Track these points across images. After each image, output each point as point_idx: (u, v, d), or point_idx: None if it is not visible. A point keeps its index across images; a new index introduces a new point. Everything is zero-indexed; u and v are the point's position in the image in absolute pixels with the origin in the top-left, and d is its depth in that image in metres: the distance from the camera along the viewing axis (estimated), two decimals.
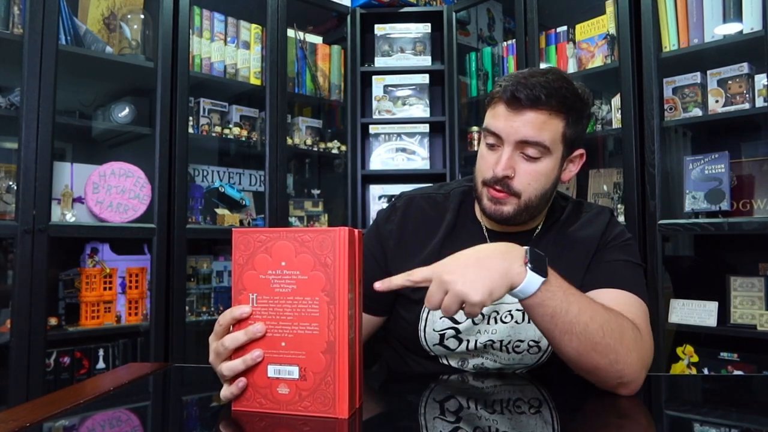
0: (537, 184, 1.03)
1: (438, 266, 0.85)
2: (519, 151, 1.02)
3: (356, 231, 0.81)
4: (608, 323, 0.87)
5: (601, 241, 1.09)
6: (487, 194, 1.06)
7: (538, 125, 0.99)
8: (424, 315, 1.10)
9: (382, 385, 1.09)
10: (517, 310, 1.07)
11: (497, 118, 1.02)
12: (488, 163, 1.05)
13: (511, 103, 1.00)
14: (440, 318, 1.08)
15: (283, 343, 0.77)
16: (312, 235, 0.76)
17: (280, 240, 0.77)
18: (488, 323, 1.08)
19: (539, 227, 1.13)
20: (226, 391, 0.79)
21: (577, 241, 1.10)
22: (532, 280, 0.83)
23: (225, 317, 0.79)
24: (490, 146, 1.05)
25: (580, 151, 1.08)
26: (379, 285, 0.84)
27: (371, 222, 2.81)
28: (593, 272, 1.05)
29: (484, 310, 1.07)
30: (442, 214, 1.15)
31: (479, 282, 0.81)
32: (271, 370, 0.78)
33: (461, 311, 0.84)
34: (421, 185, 1.35)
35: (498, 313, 1.08)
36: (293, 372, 0.77)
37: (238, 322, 0.79)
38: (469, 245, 1.11)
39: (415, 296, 1.11)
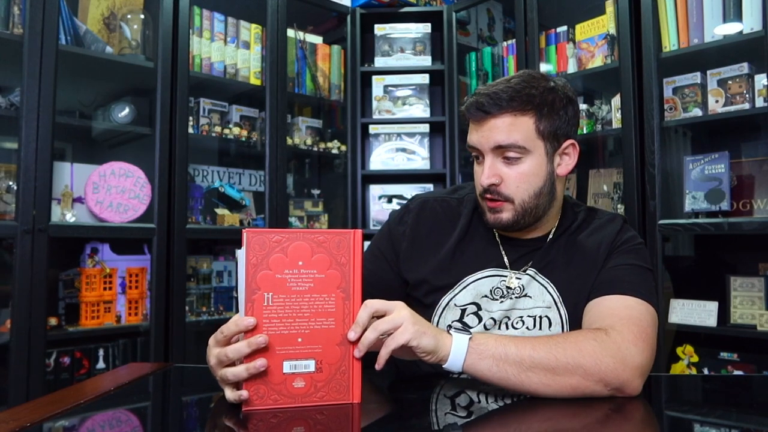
0: (526, 185, 1.04)
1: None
2: (499, 158, 1.04)
3: (359, 231, 0.84)
4: (555, 347, 0.88)
5: (611, 247, 1.09)
6: (486, 206, 1.08)
7: (506, 128, 1.02)
8: (435, 319, 1.10)
9: (390, 379, 1.09)
10: (528, 316, 1.08)
11: (471, 132, 1.07)
12: (478, 177, 1.07)
13: (477, 115, 1.04)
14: (452, 321, 1.09)
15: (299, 339, 0.80)
16: (328, 237, 0.81)
17: (296, 241, 0.80)
18: (499, 329, 1.08)
19: (551, 233, 1.13)
20: (233, 395, 0.79)
21: (588, 247, 1.10)
22: (458, 338, 0.87)
23: (230, 328, 0.79)
24: (476, 161, 1.08)
25: (570, 141, 1.08)
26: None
27: (371, 222, 2.83)
28: (599, 278, 1.05)
29: (496, 316, 1.07)
30: (456, 218, 1.16)
31: (423, 326, 0.85)
32: (287, 366, 0.80)
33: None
34: (420, 185, 1.36)
35: (509, 319, 1.08)
36: (310, 365, 0.80)
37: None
38: (482, 251, 1.13)
39: (426, 300, 1.11)
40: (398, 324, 0.83)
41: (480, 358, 0.86)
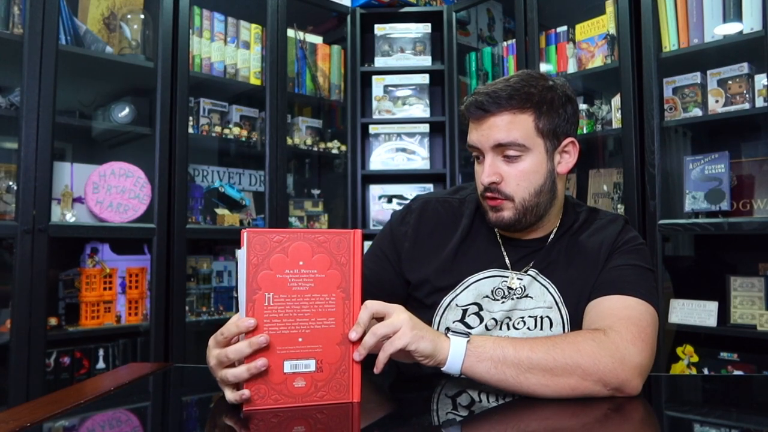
0: (526, 183, 1.04)
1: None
2: (500, 156, 1.04)
3: (359, 231, 0.84)
4: (553, 347, 0.88)
5: (612, 247, 1.09)
6: (487, 206, 1.08)
7: (505, 126, 1.02)
8: (437, 319, 1.10)
9: (390, 379, 1.09)
10: (530, 316, 1.08)
11: (471, 132, 1.07)
12: (479, 176, 1.07)
13: (476, 114, 1.04)
14: (453, 322, 1.09)
15: (300, 339, 0.80)
16: (328, 236, 0.81)
17: (297, 241, 0.80)
18: (500, 329, 1.08)
19: (552, 234, 1.13)
20: (234, 395, 0.79)
21: (589, 247, 1.10)
22: (456, 341, 0.87)
23: (230, 329, 0.79)
24: (477, 160, 1.09)
25: (570, 139, 1.08)
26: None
27: (371, 222, 2.83)
28: (600, 278, 1.06)
29: (498, 316, 1.08)
30: (458, 219, 1.16)
31: (421, 330, 0.85)
32: (288, 366, 0.80)
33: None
34: (420, 185, 1.36)
35: (511, 319, 1.08)
36: (310, 365, 0.81)
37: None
38: (484, 251, 1.13)
39: (427, 301, 1.11)
40: (396, 328, 0.83)
41: (478, 360, 0.86)
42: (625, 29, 2.16)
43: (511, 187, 1.04)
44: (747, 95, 1.98)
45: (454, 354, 0.86)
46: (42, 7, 1.93)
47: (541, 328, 1.07)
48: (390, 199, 2.84)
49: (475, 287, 1.09)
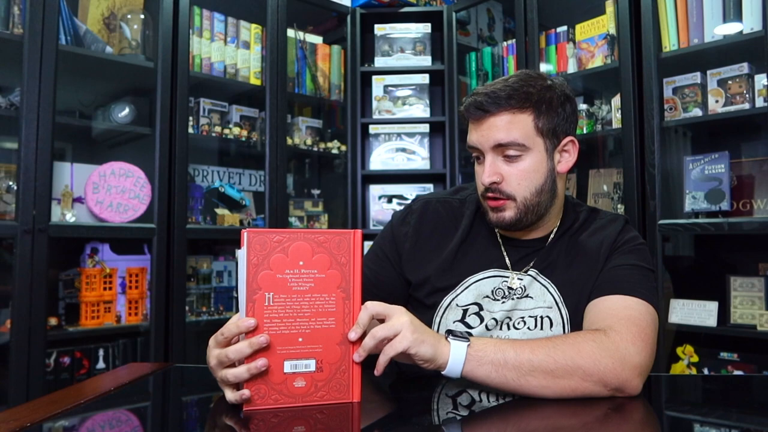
0: (527, 183, 1.05)
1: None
2: (500, 156, 1.05)
3: (359, 232, 0.84)
4: (553, 349, 0.88)
5: (612, 247, 1.09)
6: (488, 206, 1.08)
7: (504, 126, 1.02)
8: (437, 319, 1.10)
9: (391, 379, 1.09)
10: (530, 316, 1.08)
11: (471, 132, 1.07)
12: (479, 177, 1.08)
13: (476, 115, 1.04)
14: (453, 322, 1.09)
15: (300, 339, 0.80)
16: (328, 236, 0.81)
17: (297, 241, 0.80)
18: (500, 329, 1.08)
19: (552, 234, 1.13)
20: (235, 395, 0.79)
21: (589, 247, 1.10)
22: (456, 345, 0.86)
23: (230, 329, 0.79)
24: (477, 161, 1.09)
25: (569, 138, 1.09)
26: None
27: (371, 222, 2.83)
28: (600, 278, 1.06)
29: (498, 316, 1.08)
30: (458, 219, 1.16)
31: (421, 334, 0.85)
32: (288, 366, 0.80)
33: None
34: (420, 185, 1.36)
35: (511, 320, 1.08)
36: (310, 365, 0.81)
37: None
38: (484, 251, 1.13)
39: (428, 301, 1.12)
40: (397, 331, 0.83)
41: (479, 364, 0.86)
42: (625, 29, 2.16)
43: (512, 186, 1.04)
44: (747, 95, 1.98)
45: (455, 358, 0.86)
46: (42, 7, 1.93)
47: (542, 328, 1.07)
48: (390, 199, 2.84)
49: (476, 287, 1.09)
